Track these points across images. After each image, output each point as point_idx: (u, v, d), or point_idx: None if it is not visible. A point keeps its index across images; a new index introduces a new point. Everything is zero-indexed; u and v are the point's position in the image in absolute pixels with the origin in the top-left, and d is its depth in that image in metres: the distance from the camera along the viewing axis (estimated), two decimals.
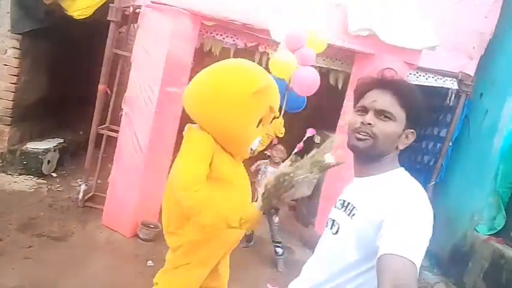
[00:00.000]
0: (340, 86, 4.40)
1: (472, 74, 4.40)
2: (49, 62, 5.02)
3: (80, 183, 4.27)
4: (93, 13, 4.11)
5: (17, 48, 4.47)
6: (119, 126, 3.99)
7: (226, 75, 1.87)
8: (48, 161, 4.83)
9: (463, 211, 4.53)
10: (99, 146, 4.28)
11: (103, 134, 4.21)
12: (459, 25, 4.29)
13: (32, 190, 4.37)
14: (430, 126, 5.11)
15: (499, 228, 4.15)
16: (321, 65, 4.07)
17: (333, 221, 1.29)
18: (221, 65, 1.91)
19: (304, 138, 2.18)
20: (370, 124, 1.20)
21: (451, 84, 4.38)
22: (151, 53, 3.69)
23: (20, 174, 4.61)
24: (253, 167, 4.03)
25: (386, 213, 1.08)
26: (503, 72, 4.53)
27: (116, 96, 4.27)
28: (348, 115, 4.12)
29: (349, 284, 1.19)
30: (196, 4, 3.66)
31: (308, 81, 2.58)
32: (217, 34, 4.01)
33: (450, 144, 4.71)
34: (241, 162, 2.09)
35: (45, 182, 4.63)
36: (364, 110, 1.24)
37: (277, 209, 4.01)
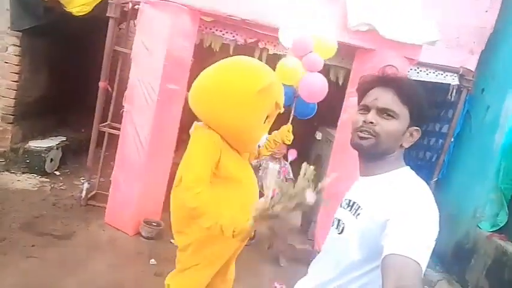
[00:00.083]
0: (340, 82, 4.39)
1: (473, 69, 4.37)
2: (49, 59, 5.03)
3: (83, 181, 4.29)
4: (92, 9, 4.11)
5: (17, 45, 4.49)
6: (120, 123, 4.00)
7: (232, 73, 1.88)
8: (51, 159, 4.85)
9: (466, 208, 4.52)
10: (101, 143, 4.29)
11: (105, 132, 4.23)
12: (460, 20, 4.27)
13: (35, 189, 4.39)
14: (432, 122, 5.09)
15: (501, 225, 4.14)
16: None
17: (339, 220, 1.28)
18: (226, 64, 1.92)
19: (289, 161, 2.22)
20: (372, 123, 1.20)
21: (452, 80, 4.36)
22: (151, 49, 3.69)
23: (23, 173, 4.63)
24: (254, 163, 4.04)
25: (391, 213, 1.07)
26: (505, 66, 4.51)
27: (117, 93, 4.28)
28: (346, 113, 4.11)
29: (354, 283, 1.19)
30: (195, 0, 3.66)
31: (315, 88, 2.53)
32: (216, 30, 4.01)
33: (452, 140, 4.70)
34: (248, 160, 2.11)
35: (48, 180, 4.65)
36: (366, 109, 1.24)
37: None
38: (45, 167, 4.73)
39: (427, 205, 1.10)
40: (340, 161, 4.13)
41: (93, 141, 4.17)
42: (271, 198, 1.42)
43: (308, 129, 4.89)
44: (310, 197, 1.36)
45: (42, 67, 5.00)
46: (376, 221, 1.11)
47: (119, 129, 4.04)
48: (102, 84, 4.04)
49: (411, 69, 4.25)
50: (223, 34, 4.03)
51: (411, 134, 1.22)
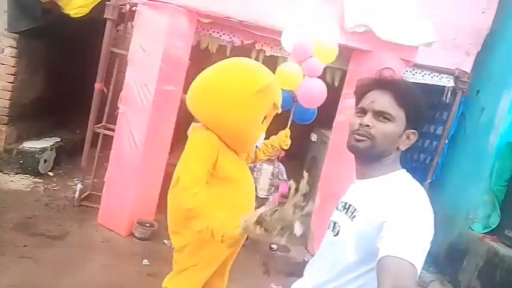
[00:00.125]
0: (336, 84, 4.40)
1: (469, 71, 4.39)
2: (46, 61, 5.02)
3: (76, 182, 4.27)
4: (90, 11, 4.10)
5: (13, 47, 4.47)
6: (115, 124, 3.99)
7: (230, 74, 1.89)
8: (45, 160, 4.83)
9: (459, 209, 4.53)
10: (95, 144, 4.28)
11: (99, 133, 4.21)
12: (456, 21, 4.29)
13: (29, 189, 4.37)
14: (427, 124, 5.11)
15: (493, 227, 4.16)
16: None
17: (334, 223, 1.28)
18: (224, 64, 1.93)
19: (277, 192, 2.22)
20: (368, 126, 1.20)
21: (447, 82, 4.38)
22: (148, 51, 3.68)
23: (17, 173, 4.61)
24: (248, 165, 4.04)
25: (387, 215, 1.07)
26: (500, 68, 4.53)
27: (113, 95, 4.27)
28: (342, 115, 4.12)
29: (350, 285, 1.19)
30: (192, 1, 3.66)
31: (313, 94, 2.51)
32: (213, 31, 4.01)
33: (446, 141, 4.71)
34: (245, 161, 2.11)
35: (41, 181, 4.63)
36: (363, 112, 1.24)
37: None
38: (39, 167, 4.71)
39: (423, 207, 1.10)
40: (335, 162, 4.15)
41: (88, 142, 4.16)
42: (260, 215, 1.42)
43: (303, 130, 4.90)
44: (298, 229, 1.36)
45: (38, 69, 4.99)
46: (372, 223, 1.11)
47: (113, 130, 4.02)
48: (97, 85, 4.03)
49: (407, 70, 4.27)
50: (220, 36, 4.03)
51: (408, 137, 1.22)
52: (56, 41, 4.81)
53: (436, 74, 4.39)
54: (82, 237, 3.66)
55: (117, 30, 4.85)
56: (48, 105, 5.25)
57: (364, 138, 1.20)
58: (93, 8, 4.09)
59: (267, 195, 4.03)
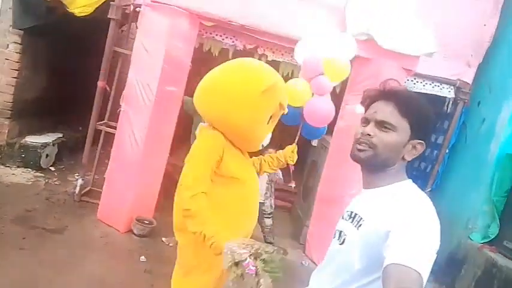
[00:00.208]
0: (337, 90, 4.42)
1: (470, 82, 4.41)
2: (50, 58, 5.07)
3: (77, 177, 4.31)
4: (94, 11, 4.16)
5: (18, 43, 4.54)
6: (117, 122, 4.03)
7: (236, 74, 1.91)
8: (47, 155, 4.88)
9: (458, 218, 4.53)
10: (97, 141, 4.33)
11: (101, 130, 4.26)
12: (458, 32, 4.31)
13: (30, 183, 4.42)
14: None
15: (492, 237, 4.14)
16: None
17: (340, 232, 1.28)
18: (230, 65, 1.95)
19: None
20: (369, 135, 1.21)
21: (448, 93, 4.40)
22: (150, 51, 3.73)
23: (18, 167, 4.66)
24: None
25: (393, 224, 1.07)
26: (502, 79, 4.54)
27: (115, 93, 4.32)
28: (343, 121, 4.14)
29: None
30: (195, 4, 3.71)
31: (320, 113, 2.39)
32: (216, 35, 4.05)
33: (447, 151, 4.72)
34: (248, 157, 2.12)
35: (42, 175, 4.68)
36: (367, 122, 1.25)
37: (270, 213, 3.98)
38: (41, 162, 4.76)
39: (429, 217, 1.10)
40: (335, 167, 4.17)
41: (89, 138, 4.21)
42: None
43: None
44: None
45: (42, 66, 5.05)
46: (378, 232, 1.11)
47: (115, 128, 4.07)
48: (100, 83, 4.09)
49: (408, 80, 4.29)
50: (223, 39, 4.07)
51: (414, 147, 1.21)
52: (60, 39, 4.87)
53: (437, 84, 4.41)
54: (81, 232, 3.70)
55: (122, 31, 4.91)
56: (50, 101, 5.31)
57: (366, 148, 1.21)
58: (97, 7, 4.14)
59: (264, 200, 4.05)
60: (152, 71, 3.71)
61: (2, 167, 4.58)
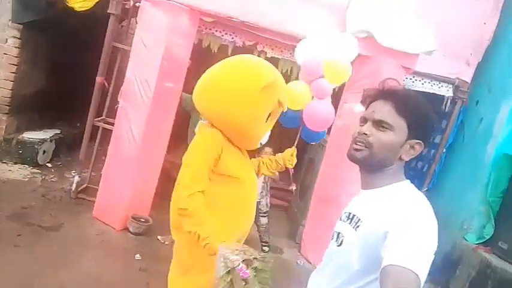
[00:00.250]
0: (336, 88, 4.40)
1: (469, 81, 4.40)
2: (49, 53, 5.05)
3: (74, 174, 4.30)
4: (94, 5, 4.12)
5: (17, 37, 4.51)
6: (115, 119, 4.01)
7: (234, 71, 1.90)
8: (44, 151, 4.86)
9: (454, 218, 4.53)
10: (95, 138, 4.31)
11: (99, 127, 4.24)
12: (457, 31, 4.30)
13: (26, 179, 4.40)
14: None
15: (487, 238, 4.15)
16: None
17: (338, 233, 1.28)
18: (229, 62, 1.94)
19: None
20: (365, 134, 1.21)
21: (446, 92, 4.39)
22: (150, 47, 3.71)
23: (15, 163, 4.64)
24: None
25: (391, 225, 1.07)
26: (501, 79, 4.53)
27: (114, 89, 4.29)
28: (341, 119, 4.12)
29: None
30: (195, 0, 3.68)
31: (319, 118, 2.33)
32: (216, 31, 4.03)
33: (444, 150, 4.72)
34: (247, 156, 2.11)
35: (39, 172, 4.66)
36: (364, 121, 1.25)
37: (265, 212, 3.97)
38: (38, 158, 4.74)
39: (427, 218, 1.10)
40: (332, 165, 4.16)
41: (87, 135, 4.19)
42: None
43: None
44: None
45: (41, 61, 5.02)
46: (376, 233, 1.11)
47: (113, 124, 4.05)
48: (98, 79, 4.07)
49: (407, 78, 4.28)
50: (222, 35, 4.05)
51: (412, 147, 1.20)
52: (60, 34, 4.84)
53: (436, 82, 4.40)
54: (77, 229, 3.69)
55: (122, 26, 4.88)
56: (49, 97, 5.28)
57: (363, 147, 1.20)
58: (97, 2, 4.11)
59: (259, 199, 4.04)
60: (151, 67, 3.70)
61: None
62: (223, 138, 1.87)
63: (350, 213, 1.25)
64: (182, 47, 3.80)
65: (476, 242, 4.19)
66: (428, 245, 1.04)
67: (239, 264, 1.48)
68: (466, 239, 4.28)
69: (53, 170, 4.84)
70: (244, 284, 1.46)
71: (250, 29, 3.90)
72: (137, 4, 3.84)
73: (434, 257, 1.07)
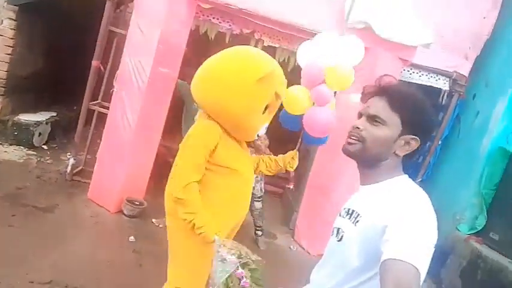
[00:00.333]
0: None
1: (466, 74, 4.40)
2: (45, 36, 5.01)
3: (69, 157, 4.31)
4: None
5: (12, 19, 4.47)
6: (110, 103, 4.00)
7: (231, 62, 1.90)
8: (40, 133, 4.86)
9: (447, 209, 4.57)
10: (91, 121, 4.31)
11: (95, 110, 4.24)
12: (457, 24, 4.29)
13: (22, 161, 4.41)
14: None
15: (479, 228, 4.21)
16: None
17: (338, 229, 1.28)
18: (227, 52, 1.94)
19: None
20: (358, 128, 1.22)
21: (443, 85, 4.39)
22: (146, 32, 3.69)
23: (11, 145, 4.64)
24: None
25: (390, 219, 1.07)
26: (498, 74, 4.54)
27: (110, 73, 4.29)
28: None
29: None
30: None
31: (318, 125, 2.25)
32: (213, 18, 4.00)
33: (439, 142, 4.75)
34: (246, 148, 2.12)
35: (35, 153, 4.67)
36: (360, 116, 1.26)
37: (259, 196, 4.00)
38: (33, 140, 4.74)
39: (426, 211, 1.10)
40: (326, 156, 4.19)
41: (82, 118, 4.19)
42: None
43: None
44: None
45: (37, 43, 4.98)
46: (375, 228, 1.11)
47: (108, 108, 4.05)
48: (94, 63, 4.06)
49: (404, 70, 4.28)
50: (220, 22, 4.02)
51: (407, 143, 1.20)
52: (56, 16, 4.80)
53: (433, 75, 4.40)
54: (71, 211, 3.71)
55: (120, 10, 4.84)
56: (45, 79, 5.26)
57: (355, 141, 1.22)
58: None
59: (254, 184, 4.07)
60: (146, 52, 3.68)
61: None
62: (221, 129, 1.88)
63: (349, 209, 1.26)
64: (178, 33, 3.78)
65: (468, 233, 4.25)
66: (427, 239, 1.04)
67: (238, 268, 1.52)
68: (458, 230, 4.33)
69: (48, 152, 4.84)
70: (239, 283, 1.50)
71: (248, 16, 3.88)
72: None
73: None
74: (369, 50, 3.91)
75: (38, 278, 2.68)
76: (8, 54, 4.57)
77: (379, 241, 1.06)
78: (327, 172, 4.21)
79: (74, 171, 4.27)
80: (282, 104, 2.17)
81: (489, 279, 3.72)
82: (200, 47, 4.58)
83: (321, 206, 4.23)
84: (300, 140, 2.46)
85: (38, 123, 4.84)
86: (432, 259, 1.04)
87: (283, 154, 2.36)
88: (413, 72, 4.38)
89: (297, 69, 4.03)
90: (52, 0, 4.31)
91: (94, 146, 4.43)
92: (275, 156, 2.34)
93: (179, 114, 4.39)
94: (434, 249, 1.05)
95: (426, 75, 4.41)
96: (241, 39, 4.03)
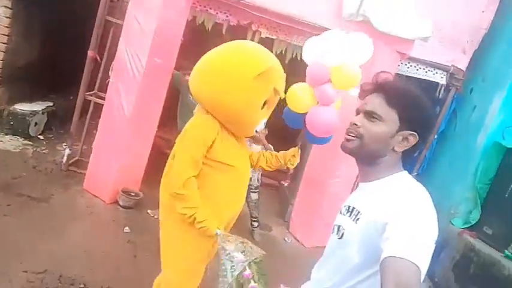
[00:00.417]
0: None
1: (464, 68, 4.40)
2: (42, 24, 4.97)
3: (65, 147, 4.30)
4: None
5: (8, 7, 4.42)
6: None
7: (230, 57, 1.90)
8: (36, 123, 4.84)
9: (441, 203, 4.56)
10: (87, 112, 4.29)
11: (91, 101, 4.22)
12: (455, 18, 4.27)
13: (17, 150, 4.40)
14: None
15: (473, 222, 4.23)
16: None
17: (339, 226, 1.28)
18: (226, 47, 1.93)
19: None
20: (356, 125, 1.22)
21: (440, 79, 4.39)
22: (142, 22, 3.66)
23: (6, 134, 4.62)
24: None
25: (390, 216, 1.07)
26: (496, 68, 4.53)
27: (106, 64, 4.26)
28: None
29: (358, 287, 1.19)
30: None
31: (320, 125, 2.19)
32: (210, 8, 3.98)
33: (435, 136, 4.75)
34: (244, 144, 2.12)
35: (31, 143, 4.65)
36: (358, 113, 1.27)
37: (256, 187, 4.01)
38: (29, 130, 4.73)
39: (426, 208, 1.10)
40: (321, 150, 4.18)
41: (78, 108, 4.18)
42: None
43: None
44: None
45: (34, 32, 4.93)
46: (375, 225, 1.11)
47: (104, 98, 4.02)
48: (90, 53, 4.04)
49: (402, 63, 4.27)
50: (217, 13, 4.00)
51: (405, 138, 1.19)
52: (52, 5, 4.75)
53: (431, 69, 4.39)
54: (66, 201, 3.71)
55: (117, 0, 4.80)
56: (41, 69, 5.21)
57: (353, 137, 1.22)
58: None
59: (251, 174, 4.07)
60: (143, 42, 3.66)
61: None
62: (219, 125, 1.88)
63: (349, 206, 1.26)
64: (175, 24, 3.76)
65: (462, 227, 4.27)
66: (428, 236, 1.04)
67: (246, 268, 1.56)
68: (452, 223, 4.36)
69: (44, 142, 4.83)
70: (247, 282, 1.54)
71: (246, 7, 3.85)
72: None
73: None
74: None
75: (33, 267, 2.69)
76: (4, 43, 4.53)
77: (379, 238, 1.06)
78: (322, 166, 4.22)
79: (70, 162, 4.26)
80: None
81: (481, 273, 3.76)
82: (197, 37, 4.56)
83: (316, 199, 4.25)
84: (299, 135, 2.43)
85: (34, 113, 4.82)
86: None
87: (283, 147, 2.36)
88: (411, 66, 4.37)
89: (294, 61, 4.05)
90: None
91: (90, 137, 4.42)
92: (276, 152, 2.32)
93: (175, 106, 4.38)
94: (435, 244, 1.05)
95: (423, 69, 4.41)
96: (238, 31, 4.01)
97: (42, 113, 4.99)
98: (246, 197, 4.05)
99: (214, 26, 4.07)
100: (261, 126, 2.02)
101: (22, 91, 5.06)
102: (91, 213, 3.65)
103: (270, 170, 2.35)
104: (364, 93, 1.30)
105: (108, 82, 3.89)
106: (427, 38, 3.94)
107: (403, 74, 4.32)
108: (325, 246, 1.34)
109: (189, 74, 2.04)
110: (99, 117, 4.01)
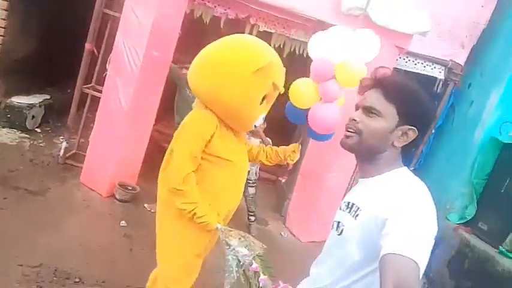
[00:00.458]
0: None
1: (462, 63, 4.40)
2: (39, 17, 4.92)
3: (62, 140, 4.29)
4: None
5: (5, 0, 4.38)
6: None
7: (229, 52, 1.88)
8: (33, 116, 4.82)
9: (437, 198, 4.51)
10: (84, 105, 4.28)
11: (88, 94, 4.20)
12: (454, 12, 4.26)
13: (14, 143, 4.38)
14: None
15: (469, 218, 4.23)
16: None
17: (338, 222, 1.28)
18: (225, 41, 1.92)
19: None
20: (355, 120, 1.22)
21: (438, 73, 4.38)
22: (140, 15, 3.64)
23: (3, 127, 4.60)
24: None
25: (389, 213, 1.07)
26: (494, 64, 4.52)
27: (104, 56, 4.24)
28: None
29: (357, 283, 1.19)
30: None
31: (322, 122, 2.18)
32: (208, 2, 3.96)
33: (433, 131, 4.75)
34: (243, 138, 2.12)
35: (28, 136, 4.64)
36: (357, 109, 1.26)
37: (254, 181, 4.02)
38: (26, 123, 4.71)
39: (425, 204, 1.11)
40: (318, 145, 4.16)
41: (75, 101, 4.17)
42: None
43: None
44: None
45: (30, 24, 4.89)
46: (375, 221, 1.11)
47: (102, 91, 4.01)
48: (87, 45, 4.01)
49: (400, 57, 4.26)
50: (215, 6, 3.98)
51: (404, 133, 1.19)
52: None
53: (429, 63, 4.38)
54: (63, 194, 3.71)
55: None
56: (39, 61, 5.17)
57: (352, 133, 1.21)
58: None
59: (249, 168, 4.08)
60: (140, 35, 3.64)
61: None
62: (217, 119, 1.87)
63: (349, 203, 1.26)
64: (173, 17, 3.74)
65: (458, 222, 4.28)
66: (427, 232, 1.04)
67: (252, 263, 1.55)
68: (448, 219, 4.37)
69: (41, 135, 4.82)
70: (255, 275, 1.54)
71: (244, 1, 3.83)
72: None
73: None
74: None
75: (28, 261, 2.69)
76: (0, 35, 4.49)
77: (379, 234, 1.06)
78: (319, 160, 4.22)
79: (67, 155, 4.25)
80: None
81: (476, 269, 3.77)
82: (195, 31, 4.54)
83: (312, 194, 4.26)
84: (297, 129, 2.41)
85: (31, 106, 4.80)
86: None
87: (281, 141, 2.36)
88: (409, 60, 4.37)
89: (292, 55, 4.04)
90: None
91: (87, 130, 4.40)
92: (276, 147, 2.32)
93: (173, 99, 4.37)
94: (434, 240, 1.05)
95: (422, 63, 4.40)
96: (237, 24, 3.99)
97: (39, 106, 4.97)
98: (244, 191, 4.07)
99: (212, 19, 4.05)
100: (260, 121, 2.00)
101: (19, 84, 5.02)
102: (87, 206, 3.65)
103: (270, 164, 2.36)
104: (363, 89, 1.29)
105: (106, 75, 3.87)
106: (425, 33, 3.92)
107: (402, 68, 4.32)
108: (321, 241, 1.35)
109: (186, 68, 2.04)
110: (97, 110, 4.00)
